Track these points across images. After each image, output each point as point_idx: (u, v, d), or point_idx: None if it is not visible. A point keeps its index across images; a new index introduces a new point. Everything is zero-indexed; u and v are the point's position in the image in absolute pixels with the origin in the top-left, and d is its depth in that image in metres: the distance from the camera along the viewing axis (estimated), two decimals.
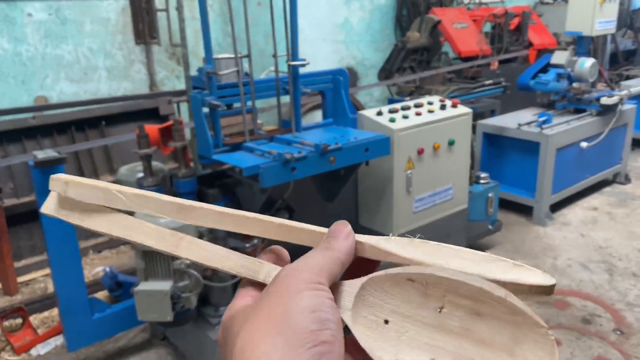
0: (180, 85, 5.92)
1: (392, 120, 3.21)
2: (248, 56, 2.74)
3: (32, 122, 4.18)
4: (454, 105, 3.55)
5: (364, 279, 0.47)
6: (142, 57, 5.61)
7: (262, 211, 2.87)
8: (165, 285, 2.40)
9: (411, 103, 3.47)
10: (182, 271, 2.46)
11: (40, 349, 3.31)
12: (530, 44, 7.70)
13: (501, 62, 7.25)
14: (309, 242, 0.52)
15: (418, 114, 3.35)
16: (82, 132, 4.51)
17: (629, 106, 5.36)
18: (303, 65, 2.89)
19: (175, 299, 2.46)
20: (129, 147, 4.76)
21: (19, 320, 3.46)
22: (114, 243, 4.54)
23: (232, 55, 2.75)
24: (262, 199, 2.73)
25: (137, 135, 2.75)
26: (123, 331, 3.19)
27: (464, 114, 3.52)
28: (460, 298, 0.42)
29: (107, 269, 3.53)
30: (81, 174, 4.62)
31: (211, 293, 2.79)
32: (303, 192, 3.17)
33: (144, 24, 5.53)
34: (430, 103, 3.51)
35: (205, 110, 2.74)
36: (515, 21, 7.50)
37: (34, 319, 3.53)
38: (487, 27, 7.42)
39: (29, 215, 4.25)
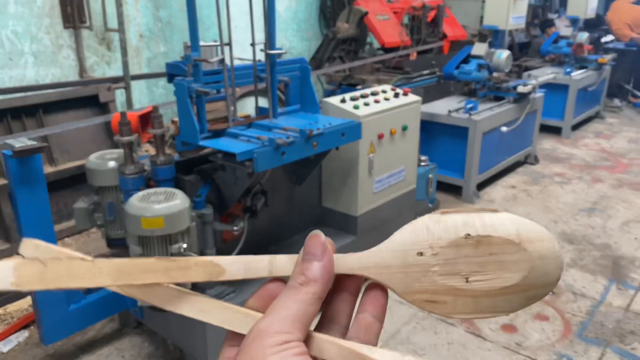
0: (112, 71, 5.73)
1: (356, 107, 3.42)
2: (229, 44, 2.81)
3: None
4: (405, 94, 3.82)
5: None
6: (71, 42, 5.35)
7: (243, 196, 2.97)
8: None
9: (368, 91, 3.69)
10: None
11: (2, 347, 3.17)
12: (445, 36, 8.22)
13: (419, 53, 7.71)
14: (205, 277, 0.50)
15: (377, 101, 3.58)
16: (19, 121, 4.27)
17: (538, 94, 5.97)
18: (280, 55, 3.01)
19: None
20: (69, 137, 4.58)
21: None
22: (76, 230, 4.37)
23: (214, 43, 2.80)
24: (247, 184, 2.82)
25: (119, 123, 2.72)
26: (99, 321, 3.14)
27: (415, 102, 3.81)
28: None
29: None
30: None
31: None
32: (275, 177, 3.30)
33: (72, 7, 5.30)
34: (384, 91, 3.76)
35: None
36: (432, 14, 7.96)
37: None
38: (405, 20, 7.83)
39: None
